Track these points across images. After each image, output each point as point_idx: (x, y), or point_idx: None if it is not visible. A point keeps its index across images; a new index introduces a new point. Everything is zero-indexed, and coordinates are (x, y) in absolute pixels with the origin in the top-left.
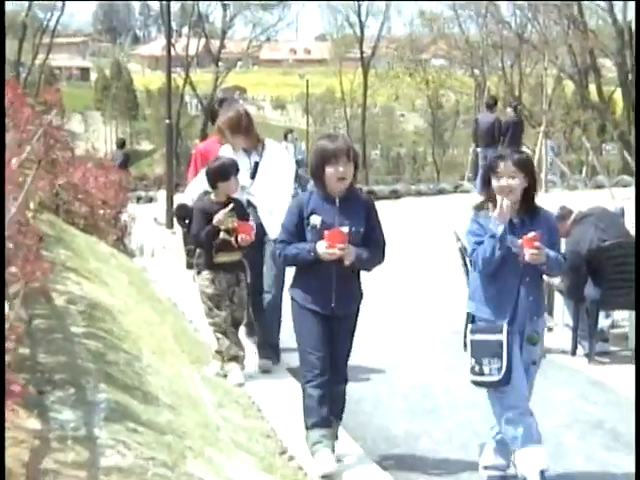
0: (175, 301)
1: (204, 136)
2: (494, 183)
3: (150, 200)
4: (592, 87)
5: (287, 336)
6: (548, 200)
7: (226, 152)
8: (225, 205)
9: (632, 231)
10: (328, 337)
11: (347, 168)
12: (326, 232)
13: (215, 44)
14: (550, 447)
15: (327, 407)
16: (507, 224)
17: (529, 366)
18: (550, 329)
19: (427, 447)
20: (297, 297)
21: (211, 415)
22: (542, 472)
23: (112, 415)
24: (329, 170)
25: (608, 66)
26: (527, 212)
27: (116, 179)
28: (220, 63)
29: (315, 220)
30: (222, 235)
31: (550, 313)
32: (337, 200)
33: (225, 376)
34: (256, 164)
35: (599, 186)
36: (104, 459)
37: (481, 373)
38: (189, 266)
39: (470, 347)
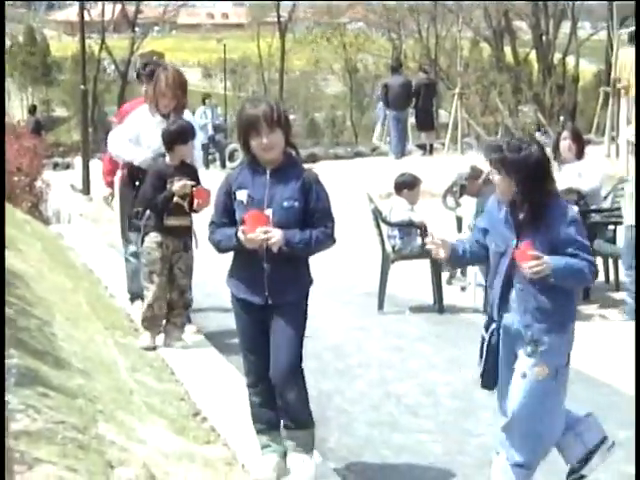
0: (91, 267)
1: (121, 101)
2: None
3: (67, 167)
4: (507, 49)
5: (201, 298)
6: (464, 162)
7: (142, 114)
8: (179, 168)
9: None
10: (265, 334)
11: (272, 137)
12: (245, 216)
13: (131, 9)
14: (462, 403)
15: (272, 411)
16: (515, 223)
17: (517, 377)
18: (463, 288)
19: (339, 406)
20: (231, 287)
21: (124, 379)
22: None
23: (22, 380)
24: (252, 141)
25: (523, 28)
26: (531, 214)
27: (30, 146)
28: (137, 28)
29: (241, 195)
30: (175, 199)
31: (463, 273)
32: (268, 172)
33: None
34: None
35: None
36: (14, 423)
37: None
38: (135, 229)
39: None
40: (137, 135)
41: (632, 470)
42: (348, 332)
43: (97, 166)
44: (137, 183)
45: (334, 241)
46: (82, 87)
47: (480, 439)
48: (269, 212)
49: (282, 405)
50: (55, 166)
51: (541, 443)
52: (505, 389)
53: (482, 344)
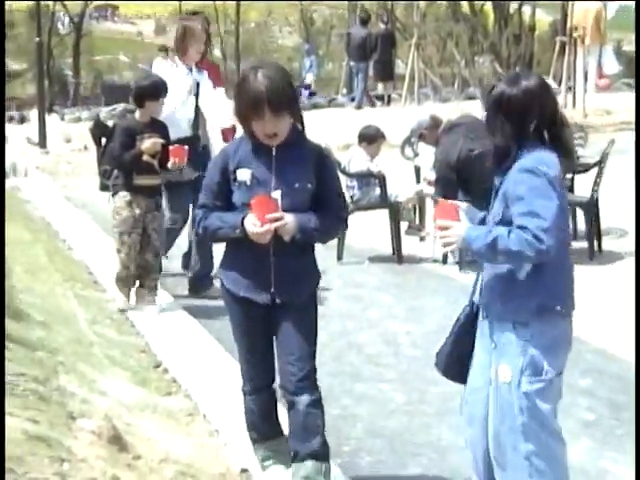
0: (49, 220)
1: (76, 54)
2: None
3: (22, 120)
4: None
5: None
6: (421, 112)
7: (163, 66)
8: (149, 125)
9: None
10: (270, 335)
11: (277, 124)
12: (252, 201)
13: None
14: (422, 352)
15: (272, 422)
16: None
17: (494, 383)
18: (422, 238)
19: None
20: (228, 282)
21: (84, 331)
22: None
23: None
24: (254, 124)
25: None
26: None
27: None
28: None
29: (243, 175)
30: (145, 158)
31: (422, 222)
32: (274, 149)
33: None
34: (197, 83)
35: (471, 97)
36: None
37: None
38: (103, 188)
39: None
40: None
41: (592, 418)
42: None
43: (53, 119)
44: (103, 140)
45: (347, 226)
46: (37, 39)
47: (440, 388)
48: (277, 194)
49: (292, 424)
50: (10, 119)
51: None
52: (468, 395)
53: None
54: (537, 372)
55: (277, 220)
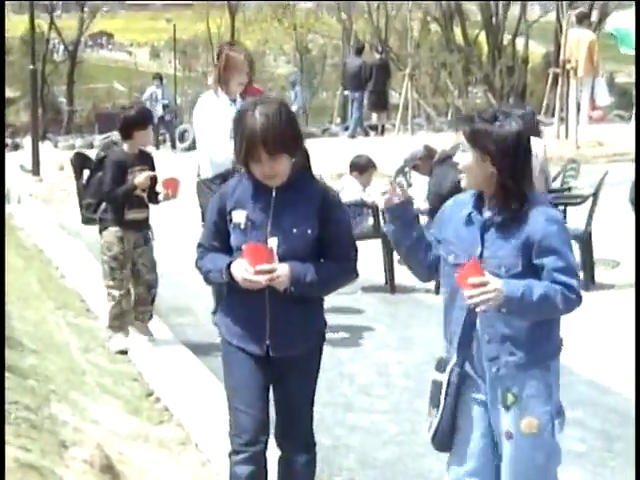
0: (42, 248)
1: (70, 82)
2: None
3: (16, 147)
4: (457, 30)
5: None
6: (414, 142)
7: (210, 99)
8: (139, 157)
9: None
10: (266, 386)
11: (272, 165)
12: (244, 247)
13: None
14: (414, 383)
15: None
16: (481, 224)
17: (501, 438)
18: None
19: None
20: (223, 329)
21: (77, 360)
22: None
23: None
24: (252, 165)
25: (473, 10)
26: (506, 210)
27: None
28: (85, 9)
29: (238, 217)
30: (137, 191)
31: None
32: (274, 190)
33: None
34: None
35: None
36: None
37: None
38: (87, 221)
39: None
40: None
41: (582, 449)
42: None
43: (47, 147)
44: (87, 172)
45: (357, 276)
46: (31, 67)
47: None
48: (273, 242)
49: (292, 476)
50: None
51: None
52: (463, 449)
53: (436, 390)
54: (561, 411)
55: (269, 272)
